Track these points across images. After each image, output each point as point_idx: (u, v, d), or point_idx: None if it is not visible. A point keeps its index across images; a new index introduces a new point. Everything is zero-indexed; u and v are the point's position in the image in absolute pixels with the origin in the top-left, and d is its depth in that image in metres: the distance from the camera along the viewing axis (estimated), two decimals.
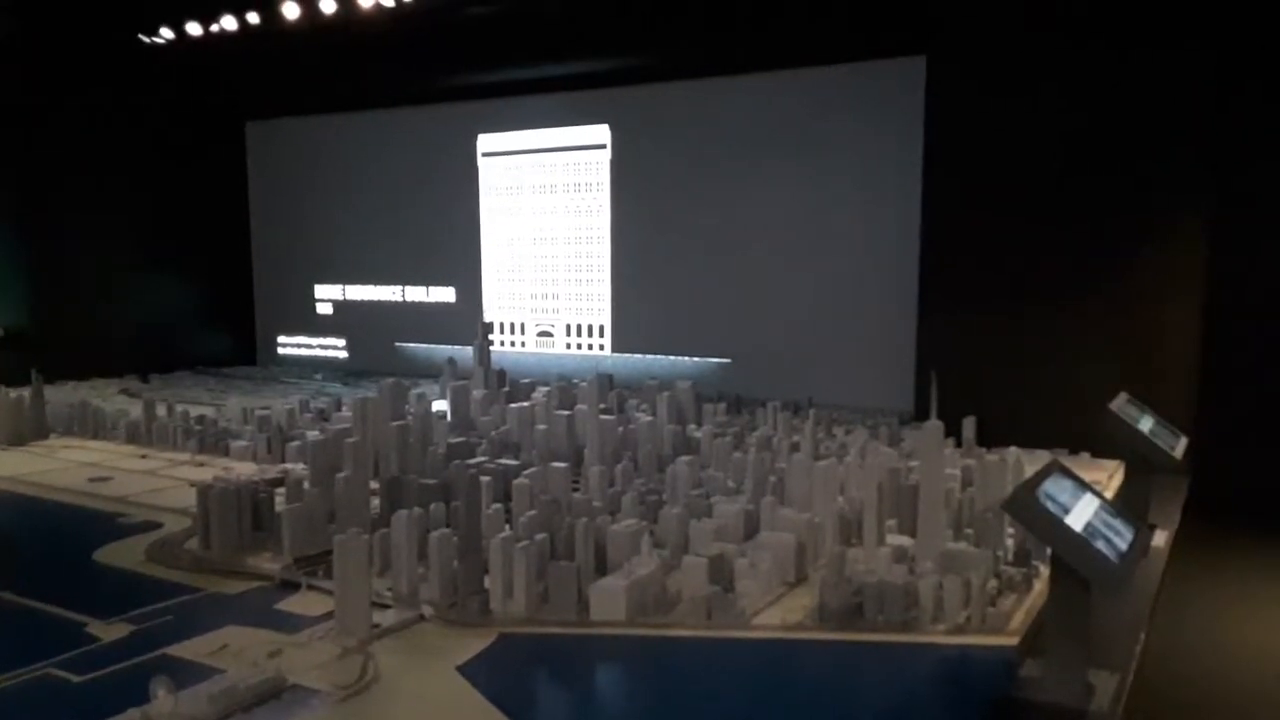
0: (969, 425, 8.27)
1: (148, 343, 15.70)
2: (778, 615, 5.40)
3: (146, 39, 13.66)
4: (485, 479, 6.69)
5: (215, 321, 17.08)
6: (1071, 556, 4.27)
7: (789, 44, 11.87)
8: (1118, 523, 4.66)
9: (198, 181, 16.50)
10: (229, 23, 13.15)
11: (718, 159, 12.76)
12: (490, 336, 11.93)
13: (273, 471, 8.39)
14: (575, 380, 10.36)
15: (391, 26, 12.85)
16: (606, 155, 13.92)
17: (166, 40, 13.67)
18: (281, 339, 17.50)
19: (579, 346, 14.54)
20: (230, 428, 10.33)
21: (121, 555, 6.54)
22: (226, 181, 17.08)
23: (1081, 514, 4.48)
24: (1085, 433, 8.37)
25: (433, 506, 6.42)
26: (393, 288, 16.17)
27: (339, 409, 10.89)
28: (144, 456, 9.73)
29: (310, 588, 5.78)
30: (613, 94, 13.71)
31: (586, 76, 13.55)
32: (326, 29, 12.87)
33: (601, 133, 13.90)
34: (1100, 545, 4.32)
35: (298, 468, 8.17)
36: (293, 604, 5.61)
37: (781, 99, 12.25)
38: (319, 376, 15.69)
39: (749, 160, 12.46)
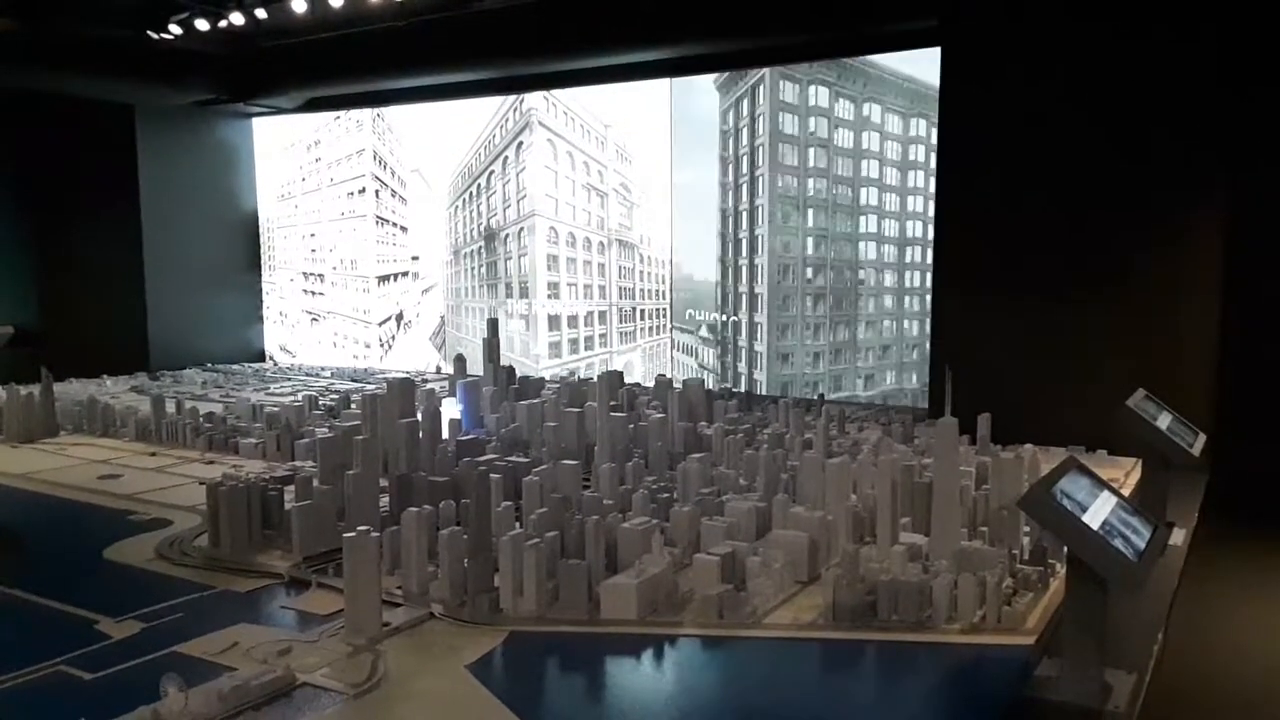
0: (984, 422, 8.19)
1: (157, 339, 15.73)
2: (790, 614, 5.36)
3: (155, 35, 13.67)
4: (495, 476, 6.65)
5: (225, 318, 17.12)
6: (1088, 555, 4.21)
7: (797, 38, 11.83)
8: (1135, 520, 4.60)
9: (203, 179, 16.55)
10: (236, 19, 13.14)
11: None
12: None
13: (282, 469, 8.38)
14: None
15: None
16: None
17: (175, 35, 13.68)
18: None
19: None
20: (240, 425, 10.33)
21: (131, 553, 6.53)
22: (236, 178, 17.13)
23: (1098, 512, 4.42)
24: (1102, 430, 8.28)
25: (442, 504, 6.39)
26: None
27: (348, 406, 10.89)
28: (153, 454, 9.73)
29: (320, 585, 5.76)
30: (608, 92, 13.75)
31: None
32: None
33: None
34: (1118, 543, 4.27)
35: (307, 465, 8.16)
36: (302, 602, 5.59)
37: (792, 93, 12.19)
38: (327, 374, 15.70)
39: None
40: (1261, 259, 8.87)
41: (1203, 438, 7.06)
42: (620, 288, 14.13)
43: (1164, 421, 6.87)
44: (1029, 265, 9.53)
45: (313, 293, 17.20)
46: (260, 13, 13.00)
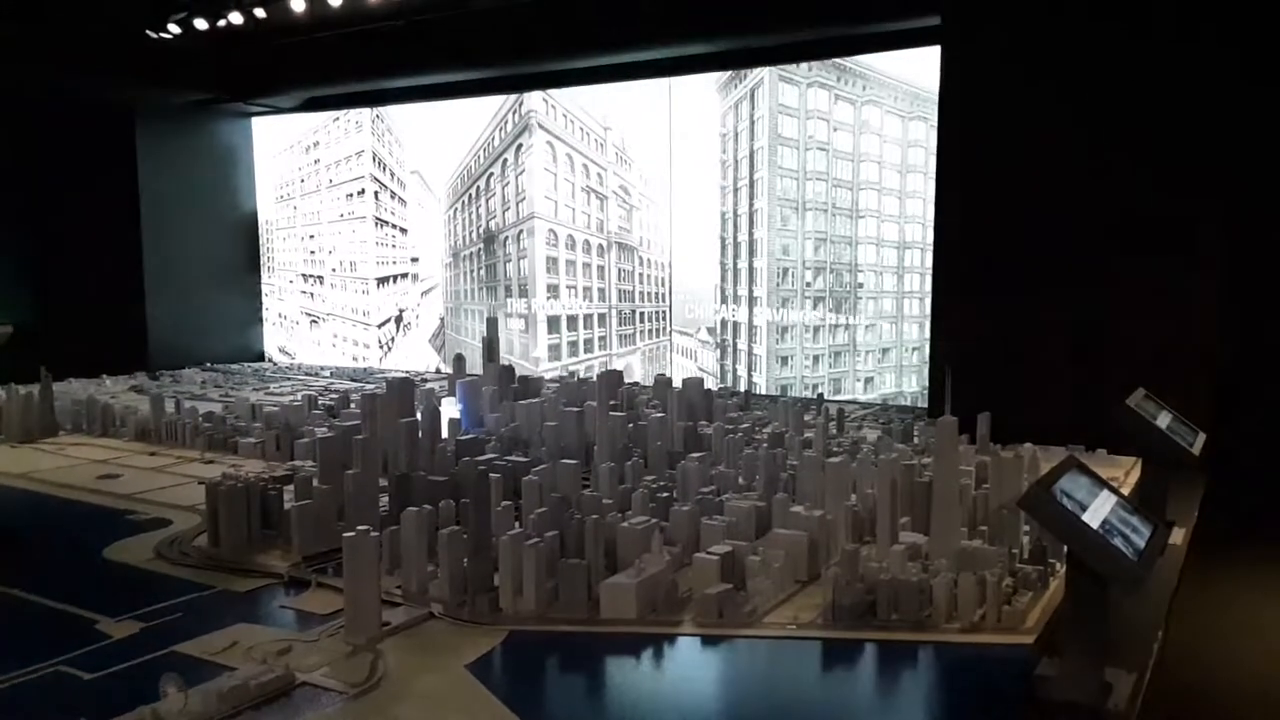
0: (983, 421, 8.19)
1: (157, 340, 15.72)
2: (790, 613, 5.36)
3: (154, 34, 13.67)
4: (495, 476, 6.65)
5: (225, 320, 17.10)
6: (1089, 554, 4.21)
7: (797, 37, 11.82)
8: (1135, 520, 4.60)
9: (202, 179, 16.53)
10: (235, 17, 13.15)
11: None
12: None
13: (281, 469, 8.38)
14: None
15: None
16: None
17: (175, 34, 13.69)
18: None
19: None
20: (239, 425, 10.33)
21: (131, 552, 6.53)
22: (235, 177, 17.11)
23: (1099, 511, 4.42)
24: (1102, 429, 8.28)
25: (442, 504, 6.38)
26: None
27: (347, 405, 10.89)
28: (153, 454, 9.72)
29: (320, 585, 5.76)
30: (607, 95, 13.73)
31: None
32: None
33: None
34: (1118, 542, 4.26)
35: (306, 465, 8.15)
36: (302, 601, 5.59)
37: (791, 96, 12.19)
38: (327, 373, 15.69)
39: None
40: (1262, 258, 8.87)
41: (1202, 437, 7.06)
42: (620, 290, 14.13)
43: (1164, 420, 6.87)
44: (1029, 263, 9.53)
45: (312, 295, 17.20)
46: (259, 12, 13.01)
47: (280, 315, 17.46)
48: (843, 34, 11.61)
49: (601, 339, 14.33)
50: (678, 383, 10.18)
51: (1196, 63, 8.75)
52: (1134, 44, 8.97)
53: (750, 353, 13.06)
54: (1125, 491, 6.83)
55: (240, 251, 17.25)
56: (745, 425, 9.07)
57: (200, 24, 13.44)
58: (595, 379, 9.74)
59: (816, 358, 12.45)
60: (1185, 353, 8.95)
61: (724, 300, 13.25)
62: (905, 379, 11.97)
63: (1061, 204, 9.36)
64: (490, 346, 10.77)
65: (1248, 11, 8.66)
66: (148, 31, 13.69)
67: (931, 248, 10.47)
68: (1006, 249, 9.62)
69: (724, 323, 13.29)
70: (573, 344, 14.58)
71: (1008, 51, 9.59)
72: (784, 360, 12.68)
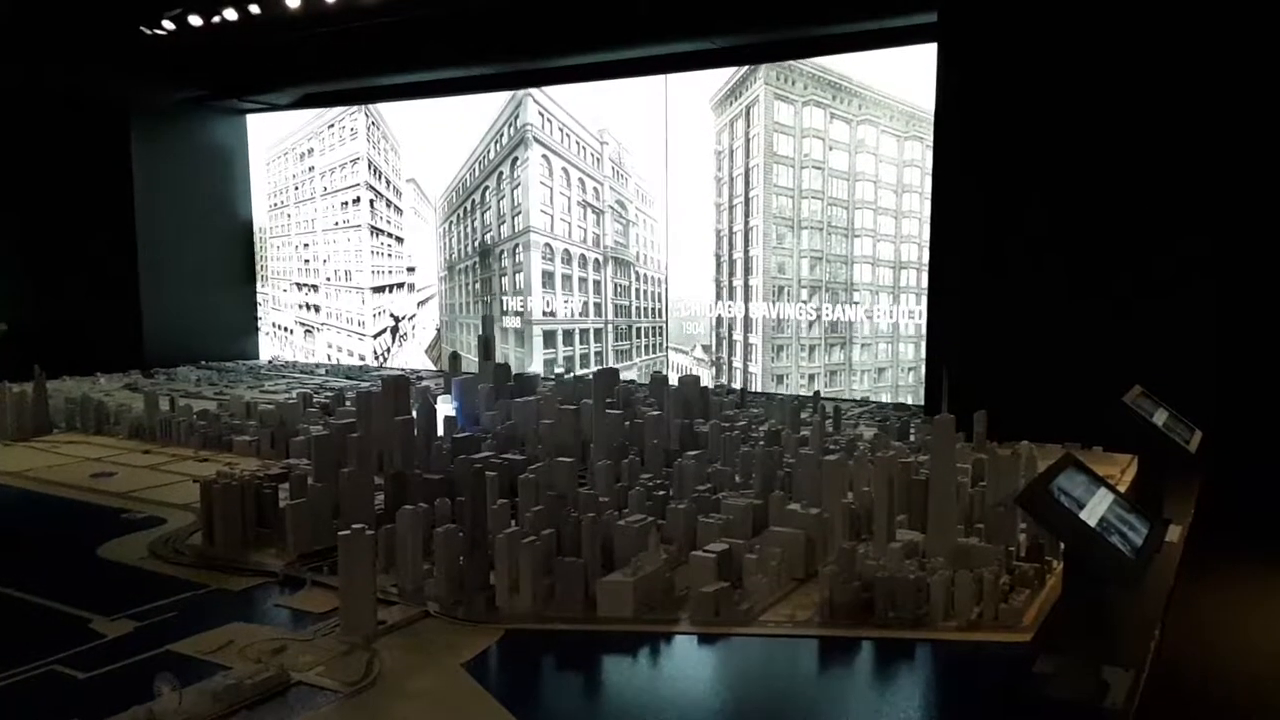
0: (980, 419, 8.19)
1: (152, 339, 15.68)
2: (786, 611, 5.34)
3: (148, 30, 13.63)
4: (491, 474, 6.62)
5: (221, 324, 17.05)
6: (1086, 551, 4.22)
7: (794, 34, 11.82)
8: (1132, 517, 4.61)
9: (197, 178, 16.49)
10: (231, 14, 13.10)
11: None
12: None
13: (276, 467, 8.35)
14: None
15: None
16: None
17: (170, 30, 13.65)
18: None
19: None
20: (234, 422, 10.29)
21: (125, 551, 6.50)
22: (230, 175, 17.07)
23: (1096, 508, 4.43)
24: (1098, 426, 8.28)
25: (437, 502, 6.37)
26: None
27: (342, 403, 10.86)
28: (147, 452, 9.69)
29: (315, 584, 5.74)
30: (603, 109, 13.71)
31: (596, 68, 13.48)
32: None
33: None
34: (1115, 540, 4.27)
35: (301, 463, 8.12)
36: (297, 600, 5.57)
37: (787, 114, 12.20)
38: (322, 371, 15.67)
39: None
40: (1260, 256, 8.87)
41: (1199, 434, 7.06)
42: (616, 305, 14.11)
43: (1160, 418, 6.88)
44: (1025, 262, 9.53)
45: (307, 305, 17.15)
46: (254, 8, 12.97)
47: (275, 324, 17.40)
48: (840, 32, 11.59)
49: (598, 354, 14.31)
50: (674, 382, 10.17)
51: (1195, 62, 8.75)
52: (1134, 43, 8.96)
53: (745, 371, 13.06)
54: (1122, 489, 6.83)
55: (235, 251, 17.20)
56: (742, 423, 9.06)
57: (195, 20, 13.40)
58: (591, 377, 9.72)
59: (812, 376, 12.48)
60: (1182, 350, 8.95)
61: (719, 317, 13.23)
62: (901, 398, 11.97)
63: (1060, 200, 9.36)
64: (486, 344, 10.75)
65: (1251, 14, 8.66)
66: (141, 28, 13.64)
67: (928, 268, 10.46)
68: (1003, 245, 9.62)
69: (719, 339, 13.28)
70: (568, 359, 14.56)
71: (1005, 49, 9.58)
72: (779, 378, 12.70)
